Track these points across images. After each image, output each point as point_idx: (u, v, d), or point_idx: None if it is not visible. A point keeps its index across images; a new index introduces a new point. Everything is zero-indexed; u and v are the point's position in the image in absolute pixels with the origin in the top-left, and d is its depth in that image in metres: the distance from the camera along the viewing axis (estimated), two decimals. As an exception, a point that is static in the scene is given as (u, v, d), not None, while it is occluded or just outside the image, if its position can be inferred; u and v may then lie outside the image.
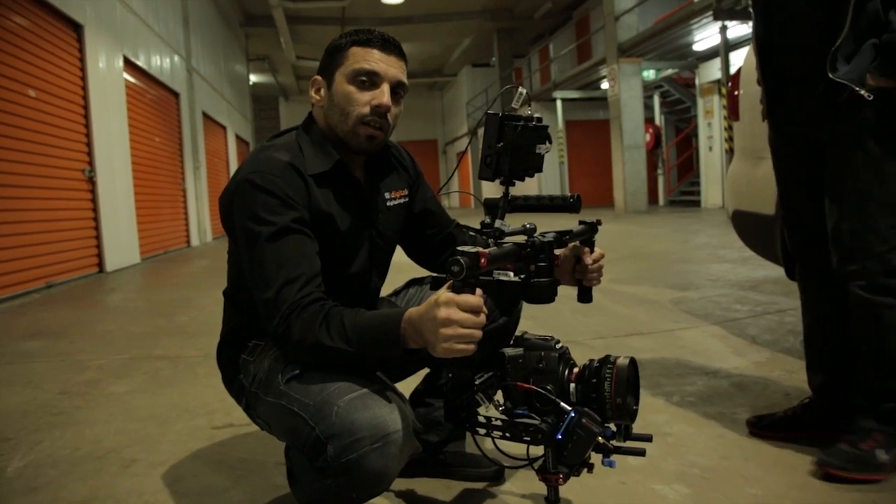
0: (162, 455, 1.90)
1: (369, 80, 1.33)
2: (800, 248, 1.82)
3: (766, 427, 1.83)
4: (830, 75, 1.50)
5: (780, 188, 1.84)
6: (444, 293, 1.05)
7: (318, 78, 1.40)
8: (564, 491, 1.29)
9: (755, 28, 1.74)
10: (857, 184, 1.57)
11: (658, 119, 15.27)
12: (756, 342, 2.85)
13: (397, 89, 1.36)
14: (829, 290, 1.74)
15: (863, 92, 1.47)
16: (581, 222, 1.39)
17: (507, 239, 1.20)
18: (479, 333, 1.05)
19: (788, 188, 1.81)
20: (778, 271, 2.71)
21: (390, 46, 1.35)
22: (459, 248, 1.04)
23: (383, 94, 1.33)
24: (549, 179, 16.98)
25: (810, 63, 1.57)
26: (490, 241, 1.20)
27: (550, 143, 1.27)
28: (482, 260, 1.03)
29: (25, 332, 4.00)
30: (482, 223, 1.25)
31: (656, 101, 15.25)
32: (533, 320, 3.31)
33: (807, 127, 1.66)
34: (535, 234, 1.20)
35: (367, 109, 1.33)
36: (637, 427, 1.23)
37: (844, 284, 1.63)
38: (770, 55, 1.70)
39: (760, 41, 1.73)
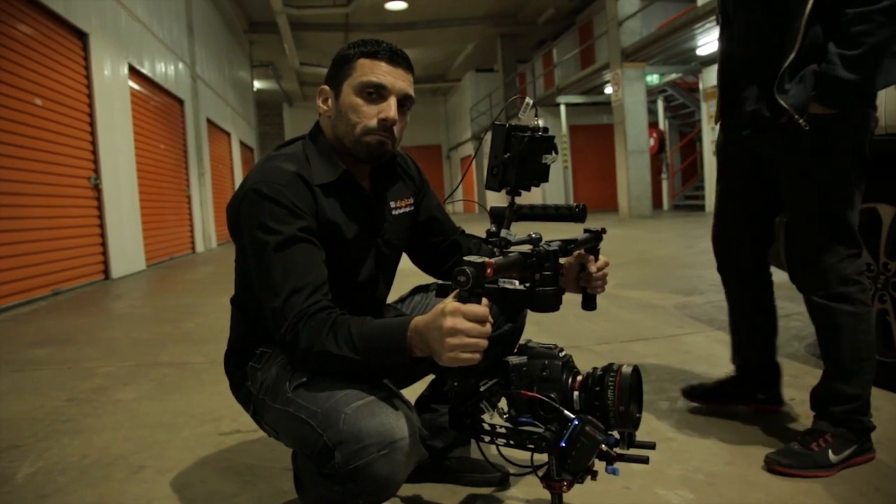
0: (170, 461, 1.92)
1: (377, 92, 1.34)
2: (723, 246, 2.01)
3: (698, 396, 2.11)
4: (777, 96, 1.60)
5: (718, 189, 1.99)
6: (450, 303, 1.06)
7: (326, 88, 1.41)
8: (568, 497, 1.30)
9: (720, 37, 1.84)
10: (804, 204, 1.70)
11: (662, 123, 15.28)
12: (760, 347, 2.85)
13: (404, 101, 1.38)
14: (747, 288, 2.02)
15: (801, 121, 1.57)
16: (586, 230, 1.40)
17: (512, 248, 1.21)
18: (484, 343, 1.06)
19: (724, 192, 1.96)
20: (782, 276, 2.71)
21: (398, 59, 1.36)
22: (466, 258, 1.05)
23: (390, 108, 1.34)
24: (553, 184, 16.99)
25: (762, 77, 1.66)
26: (496, 250, 1.21)
27: (557, 153, 1.28)
28: (488, 270, 1.04)
29: (32, 339, 4.02)
30: (488, 232, 1.27)
31: (660, 105, 15.26)
32: (537, 325, 3.32)
33: (754, 139, 1.77)
34: (541, 244, 1.22)
35: (374, 122, 1.34)
36: (641, 431, 1.23)
37: (805, 296, 1.77)
38: (729, 65, 1.79)
39: (722, 50, 1.82)
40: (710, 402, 2.10)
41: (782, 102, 1.58)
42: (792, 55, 1.57)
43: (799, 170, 1.69)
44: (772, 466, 1.66)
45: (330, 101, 1.41)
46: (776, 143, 1.70)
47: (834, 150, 1.63)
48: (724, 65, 1.81)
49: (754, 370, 2.04)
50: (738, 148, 1.86)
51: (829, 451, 1.65)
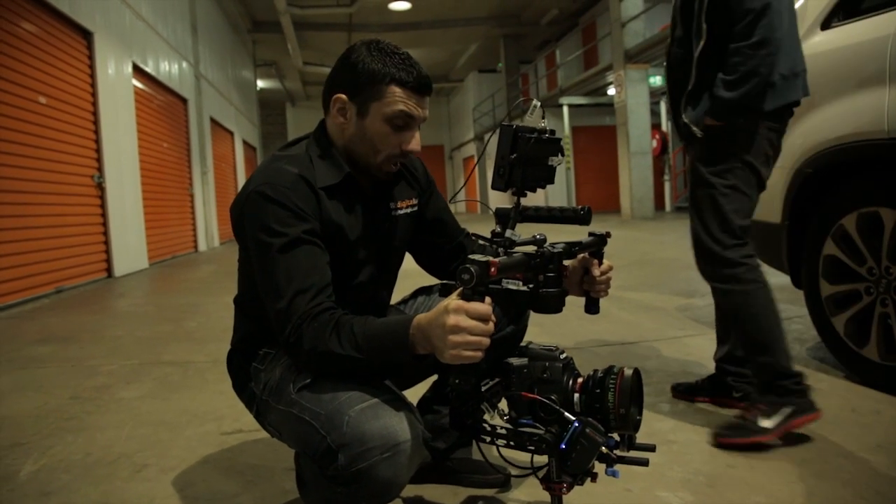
0: (172, 460, 1.93)
1: (404, 122, 1.34)
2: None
3: (682, 392, 2.28)
4: (682, 116, 2.01)
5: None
6: (453, 300, 1.07)
7: (344, 98, 1.34)
8: (568, 499, 1.31)
9: (666, 64, 2.20)
10: (697, 198, 1.99)
11: (665, 125, 15.26)
12: (762, 350, 2.85)
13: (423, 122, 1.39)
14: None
15: (695, 129, 1.96)
16: (591, 234, 1.40)
17: (517, 249, 1.22)
18: (486, 341, 1.06)
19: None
20: (783, 279, 2.72)
21: (426, 88, 1.35)
22: (470, 257, 1.05)
23: (415, 140, 1.37)
24: (556, 185, 16.85)
25: (679, 97, 2.05)
26: (500, 250, 1.22)
27: (563, 155, 1.29)
28: (492, 269, 1.05)
29: (36, 337, 4.03)
30: (493, 232, 1.27)
31: (663, 107, 15.24)
32: (539, 327, 3.33)
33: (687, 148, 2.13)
34: (545, 245, 1.22)
35: (398, 151, 1.36)
36: (642, 433, 1.24)
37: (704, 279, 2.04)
38: (668, 86, 2.17)
39: (666, 75, 2.19)
40: (692, 398, 2.25)
41: (684, 118, 2.00)
42: (691, 84, 1.98)
43: (695, 173, 2.01)
44: (719, 440, 1.84)
45: (350, 115, 1.35)
46: (692, 152, 2.06)
47: (720, 158, 1.95)
48: (669, 86, 2.16)
49: (729, 369, 2.19)
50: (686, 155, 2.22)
51: (762, 418, 1.83)
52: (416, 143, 1.37)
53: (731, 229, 1.93)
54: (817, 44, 2.43)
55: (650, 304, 4.11)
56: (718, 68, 1.91)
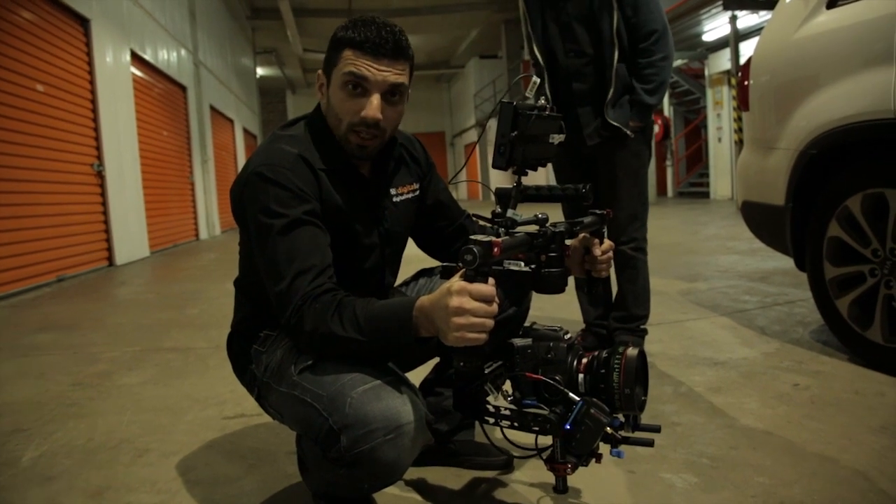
0: (174, 445, 1.92)
1: (360, 86, 1.28)
2: None
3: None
4: (608, 118, 2.36)
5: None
6: (456, 282, 1.05)
7: (321, 74, 1.37)
8: (573, 480, 1.30)
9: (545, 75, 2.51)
10: (624, 185, 2.44)
11: (667, 110, 15.17)
12: (765, 333, 2.85)
13: (394, 91, 1.31)
14: None
15: (628, 132, 2.38)
16: (591, 213, 1.38)
17: (518, 229, 1.20)
18: (490, 322, 1.05)
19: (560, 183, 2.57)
20: (787, 262, 2.71)
21: (382, 50, 1.26)
22: (472, 238, 1.04)
23: (371, 107, 1.28)
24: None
25: (586, 104, 2.42)
26: (501, 230, 1.20)
27: (564, 133, 1.27)
28: (495, 249, 1.03)
29: (37, 325, 4.03)
30: (493, 213, 1.25)
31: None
32: (541, 311, 3.31)
33: (580, 144, 2.44)
34: (547, 225, 1.21)
35: (356, 119, 1.30)
36: (646, 416, 1.23)
37: (617, 247, 2.37)
38: (557, 94, 2.49)
39: (551, 86, 2.50)
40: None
41: (612, 122, 2.36)
42: (611, 91, 2.35)
43: (618, 164, 2.43)
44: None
45: (324, 89, 1.36)
46: (604, 148, 2.43)
47: (642, 149, 2.46)
48: (553, 91, 2.50)
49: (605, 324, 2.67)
50: (567, 152, 2.49)
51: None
52: (372, 109, 1.28)
53: (646, 209, 2.55)
54: (823, 23, 2.40)
55: (653, 288, 4.05)
56: (627, 77, 2.36)
